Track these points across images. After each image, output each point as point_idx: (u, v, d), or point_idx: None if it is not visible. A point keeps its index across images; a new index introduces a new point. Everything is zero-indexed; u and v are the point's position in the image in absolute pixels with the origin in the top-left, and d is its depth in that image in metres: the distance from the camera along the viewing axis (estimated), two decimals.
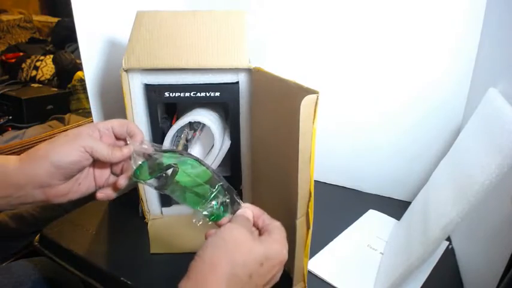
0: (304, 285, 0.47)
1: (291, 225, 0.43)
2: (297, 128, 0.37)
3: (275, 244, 0.37)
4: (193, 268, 0.34)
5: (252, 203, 0.61)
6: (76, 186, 0.42)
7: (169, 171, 0.41)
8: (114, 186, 0.45)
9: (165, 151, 0.44)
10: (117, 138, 0.45)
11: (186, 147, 0.57)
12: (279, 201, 0.49)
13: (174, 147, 0.55)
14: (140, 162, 0.43)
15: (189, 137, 0.57)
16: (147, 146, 0.44)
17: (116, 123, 0.44)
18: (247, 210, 0.41)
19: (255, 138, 0.56)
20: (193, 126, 0.57)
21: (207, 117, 0.55)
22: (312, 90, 0.36)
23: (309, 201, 0.41)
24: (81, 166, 0.41)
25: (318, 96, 0.36)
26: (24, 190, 0.39)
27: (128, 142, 0.44)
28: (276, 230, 0.38)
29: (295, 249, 0.44)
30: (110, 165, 0.44)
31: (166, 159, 0.42)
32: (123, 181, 0.44)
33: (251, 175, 0.60)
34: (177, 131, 0.55)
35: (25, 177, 0.38)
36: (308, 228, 0.43)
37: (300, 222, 0.42)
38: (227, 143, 0.56)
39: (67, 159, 0.39)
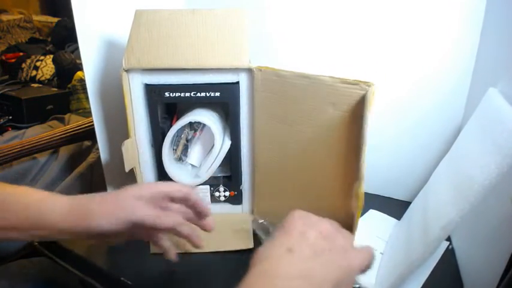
0: None
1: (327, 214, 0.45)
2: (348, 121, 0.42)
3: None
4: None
5: (255, 203, 0.61)
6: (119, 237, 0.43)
7: None
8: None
9: None
10: (172, 201, 0.43)
11: (186, 147, 0.57)
12: (306, 198, 0.52)
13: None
14: None
15: (189, 137, 0.57)
16: None
17: (176, 191, 0.42)
18: None
19: (260, 138, 0.56)
20: (193, 126, 0.57)
21: (208, 117, 0.55)
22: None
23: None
24: (124, 233, 0.41)
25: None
26: (63, 235, 0.40)
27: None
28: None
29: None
30: None
31: None
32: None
33: (251, 175, 0.60)
34: (177, 131, 0.55)
35: (69, 230, 0.39)
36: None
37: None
38: (227, 143, 0.56)
39: (110, 229, 0.39)
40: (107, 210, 0.39)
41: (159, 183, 0.44)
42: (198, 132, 0.57)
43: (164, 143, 0.55)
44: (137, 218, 0.39)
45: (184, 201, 0.44)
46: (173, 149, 0.57)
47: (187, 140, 0.57)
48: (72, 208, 0.39)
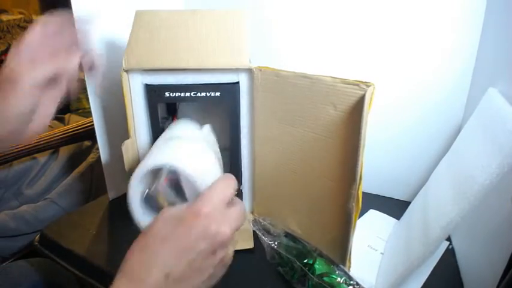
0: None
1: (325, 214, 0.50)
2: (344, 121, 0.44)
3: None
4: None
5: (255, 203, 0.61)
6: (43, 113, 0.40)
7: None
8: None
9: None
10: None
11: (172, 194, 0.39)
12: (306, 198, 0.53)
13: None
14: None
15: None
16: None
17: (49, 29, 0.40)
18: None
19: (260, 138, 0.56)
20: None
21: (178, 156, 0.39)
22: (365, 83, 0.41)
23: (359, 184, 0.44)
24: (38, 100, 0.39)
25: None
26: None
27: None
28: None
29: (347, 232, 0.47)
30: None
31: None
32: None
33: (251, 175, 0.60)
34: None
35: None
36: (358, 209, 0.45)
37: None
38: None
39: (29, 106, 0.38)
40: (14, 100, 0.37)
41: (25, 40, 0.39)
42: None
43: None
44: (35, 78, 0.37)
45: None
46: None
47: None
48: None
